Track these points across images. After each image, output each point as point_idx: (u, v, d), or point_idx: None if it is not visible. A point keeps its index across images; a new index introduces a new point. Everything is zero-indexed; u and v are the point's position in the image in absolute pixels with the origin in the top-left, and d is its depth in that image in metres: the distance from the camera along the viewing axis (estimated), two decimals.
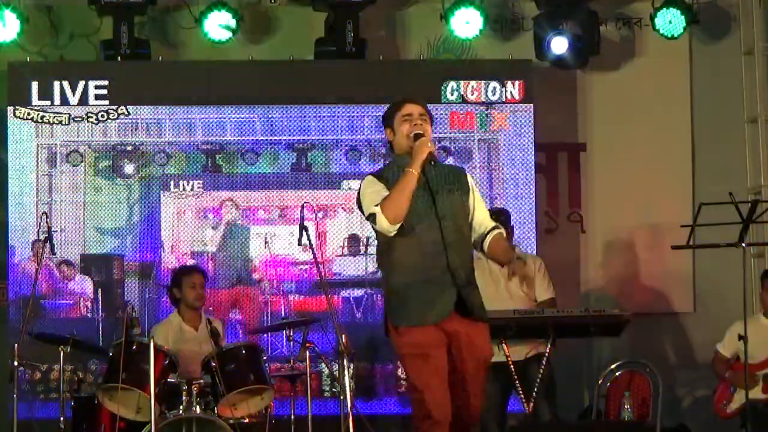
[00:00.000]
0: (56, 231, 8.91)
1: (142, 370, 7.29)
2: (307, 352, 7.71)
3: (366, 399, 9.30)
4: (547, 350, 8.15)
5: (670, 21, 9.73)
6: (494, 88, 9.57)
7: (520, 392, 8.09)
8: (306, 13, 9.81)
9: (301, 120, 9.51)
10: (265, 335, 9.14)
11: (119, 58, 9.43)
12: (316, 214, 8.78)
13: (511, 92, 9.57)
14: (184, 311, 8.27)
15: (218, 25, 9.45)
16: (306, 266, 9.41)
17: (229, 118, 9.48)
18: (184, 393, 7.51)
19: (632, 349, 9.54)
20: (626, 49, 10.15)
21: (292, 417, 8.01)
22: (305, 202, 7.78)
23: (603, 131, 10.07)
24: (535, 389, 8.11)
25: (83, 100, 9.34)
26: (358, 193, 5.98)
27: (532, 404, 8.17)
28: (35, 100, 9.31)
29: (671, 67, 10.09)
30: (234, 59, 9.63)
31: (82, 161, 9.37)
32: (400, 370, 9.41)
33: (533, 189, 9.56)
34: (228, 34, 9.47)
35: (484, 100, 9.58)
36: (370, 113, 9.54)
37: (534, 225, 9.51)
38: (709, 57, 10.15)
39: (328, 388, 9.27)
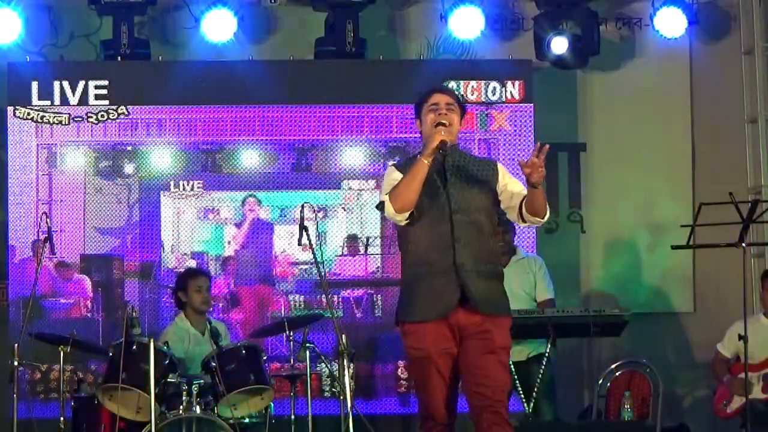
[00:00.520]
0: (56, 231, 8.91)
1: (142, 370, 7.29)
2: (307, 352, 7.71)
3: (366, 399, 9.30)
4: (547, 350, 8.15)
5: (670, 21, 9.73)
6: (494, 88, 9.57)
7: (521, 392, 8.10)
8: (306, 13, 9.81)
9: (301, 120, 9.51)
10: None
11: (119, 58, 9.43)
12: (316, 214, 8.78)
13: (511, 92, 9.57)
14: (191, 314, 8.24)
15: (218, 25, 9.45)
16: (306, 266, 9.41)
17: (229, 118, 9.47)
18: (184, 393, 7.50)
19: (632, 349, 9.54)
20: (626, 49, 10.15)
21: (292, 417, 8.01)
22: (305, 202, 7.79)
23: (603, 131, 10.07)
24: (536, 389, 8.12)
25: (83, 100, 9.34)
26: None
27: (532, 404, 8.18)
28: (35, 100, 9.31)
29: (671, 66, 10.09)
30: (234, 59, 9.62)
31: (82, 161, 9.37)
32: (400, 370, 9.42)
33: None
34: (228, 34, 9.47)
35: (484, 100, 9.58)
36: (370, 113, 9.54)
37: None
38: (709, 57, 10.15)
39: (328, 388, 9.27)
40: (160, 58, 9.61)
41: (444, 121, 5.81)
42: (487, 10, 9.71)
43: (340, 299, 9.43)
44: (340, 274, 9.54)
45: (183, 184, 9.48)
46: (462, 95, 9.52)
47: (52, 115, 9.33)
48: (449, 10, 9.62)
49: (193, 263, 9.31)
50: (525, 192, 5.78)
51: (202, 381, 7.57)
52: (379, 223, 9.53)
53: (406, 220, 5.75)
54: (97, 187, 9.41)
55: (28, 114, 9.31)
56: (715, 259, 9.48)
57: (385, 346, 9.44)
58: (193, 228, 9.50)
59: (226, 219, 9.54)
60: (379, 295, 9.51)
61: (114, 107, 9.37)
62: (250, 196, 9.49)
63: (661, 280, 10.05)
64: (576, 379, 9.78)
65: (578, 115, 10.10)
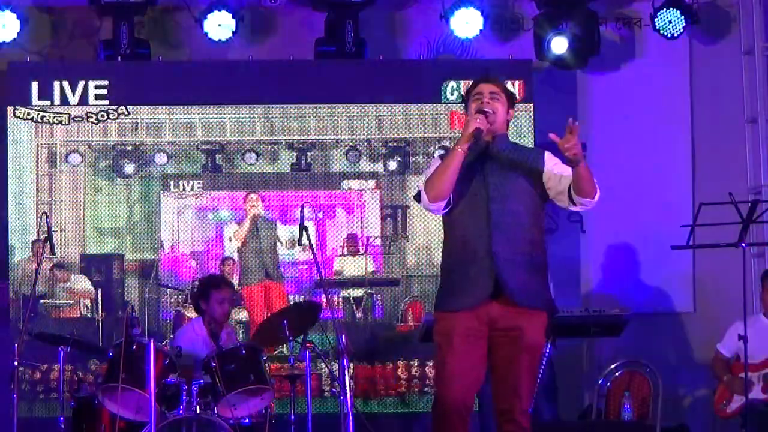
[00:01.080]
0: (56, 231, 8.92)
1: (142, 370, 7.28)
2: (307, 352, 7.70)
3: (366, 399, 9.30)
4: (547, 350, 8.15)
5: (670, 21, 9.73)
6: None
7: None
8: (306, 13, 9.81)
9: (301, 120, 9.51)
10: None
11: (119, 58, 9.43)
12: (316, 214, 8.79)
13: None
14: (210, 322, 8.14)
15: (218, 25, 9.45)
16: (306, 266, 9.42)
17: (229, 118, 9.48)
18: (184, 393, 7.50)
19: (632, 349, 9.54)
20: (626, 49, 10.15)
21: (292, 417, 8.01)
22: (305, 202, 7.79)
23: (603, 131, 10.06)
24: (536, 389, 8.11)
25: (83, 100, 9.35)
26: None
27: (532, 404, 8.17)
28: (35, 100, 9.32)
29: (671, 67, 10.09)
30: (234, 59, 9.62)
31: (82, 161, 9.37)
32: (400, 370, 9.42)
33: None
34: (228, 34, 9.47)
35: None
36: (370, 113, 9.55)
37: None
38: (709, 57, 10.15)
39: (328, 388, 9.27)
40: (160, 58, 9.62)
41: (486, 110, 5.69)
42: (487, 10, 9.71)
43: (340, 299, 9.44)
44: (340, 274, 9.54)
45: (183, 184, 9.48)
46: (462, 95, 9.54)
47: (52, 115, 9.33)
48: (449, 10, 9.62)
49: (192, 263, 9.31)
50: (561, 178, 5.69)
51: (202, 381, 7.56)
52: (379, 223, 9.54)
53: (444, 209, 5.67)
54: (97, 187, 9.42)
55: (28, 114, 9.31)
56: (715, 259, 9.47)
57: (385, 346, 9.45)
58: (193, 228, 9.50)
59: (226, 219, 9.55)
60: (379, 295, 9.51)
61: (114, 107, 9.37)
62: (252, 192, 9.47)
63: (661, 280, 10.05)
64: (576, 379, 9.78)
65: (578, 115, 10.10)
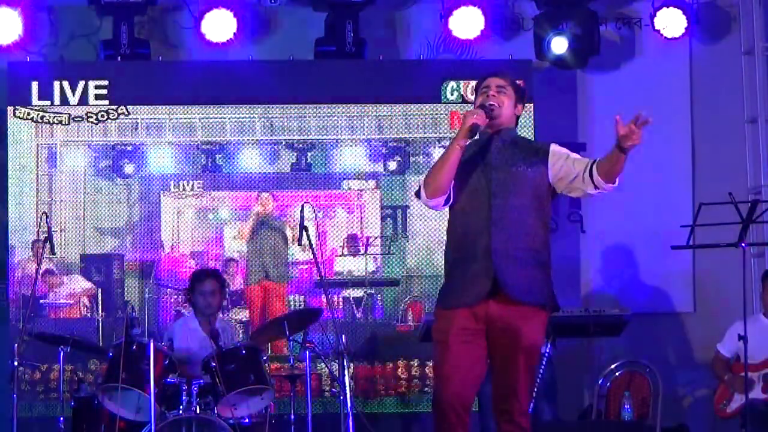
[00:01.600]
0: (56, 231, 8.91)
1: (142, 370, 7.29)
2: (307, 352, 7.70)
3: (366, 399, 9.30)
4: (547, 350, 8.15)
5: (670, 21, 9.73)
6: None
7: None
8: (306, 13, 9.81)
9: (301, 120, 9.51)
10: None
11: (119, 58, 9.43)
12: (316, 214, 8.78)
13: None
14: (199, 316, 8.21)
15: (218, 25, 9.45)
16: (306, 266, 9.41)
17: (229, 118, 9.48)
18: (184, 393, 7.50)
19: (632, 349, 9.54)
20: (626, 49, 10.15)
21: (292, 417, 8.01)
22: (305, 202, 7.79)
23: (603, 131, 10.04)
24: (535, 389, 8.12)
25: (83, 100, 9.35)
26: None
27: (532, 404, 8.18)
28: (35, 100, 9.31)
29: (671, 67, 10.09)
30: (234, 59, 9.62)
31: (82, 161, 9.37)
32: (400, 370, 9.42)
33: None
34: (228, 34, 9.47)
35: None
36: (370, 113, 9.55)
37: None
38: (709, 57, 10.15)
39: (328, 388, 9.27)
40: (160, 58, 9.62)
41: (491, 103, 5.64)
42: (487, 10, 9.71)
43: (340, 299, 9.44)
44: (340, 274, 9.54)
45: (183, 184, 9.48)
46: (462, 95, 9.54)
47: (52, 115, 9.33)
48: (449, 10, 9.62)
49: (192, 263, 9.31)
50: (589, 160, 5.62)
51: (202, 381, 7.57)
52: (379, 223, 9.54)
53: (444, 205, 5.63)
54: (97, 187, 9.42)
55: (28, 114, 9.31)
56: (715, 259, 9.47)
57: (385, 346, 9.45)
58: (193, 228, 9.50)
59: (226, 219, 9.54)
60: (379, 295, 9.51)
61: (114, 107, 9.37)
62: (264, 191, 9.47)
63: (661, 280, 10.05)
64: (576, 379, 9.78)
65: (578, 115, 10.11)
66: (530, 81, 9.58)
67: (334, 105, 9.52)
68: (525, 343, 5.57)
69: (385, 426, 9.38)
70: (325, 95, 9.50)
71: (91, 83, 9.36)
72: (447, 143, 9.41)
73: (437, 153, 9.43)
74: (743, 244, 8.32)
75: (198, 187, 9.49)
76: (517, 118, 5.82)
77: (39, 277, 8.91)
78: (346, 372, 7.47)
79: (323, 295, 8.48)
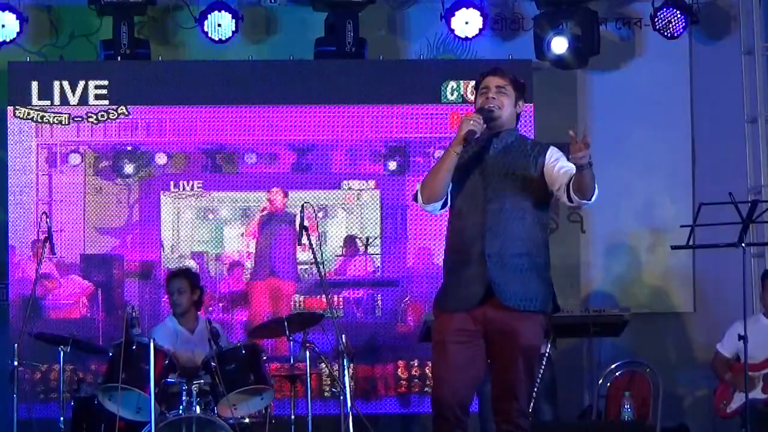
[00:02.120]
0: (56, 231, 8.91)
1: (142, 370, 7.29)
2: (307, 352, 7.71)
3: (366, 399, 9.30)
4: (548, 350, 8.15)
5: (670, 21, 9.73)
6: None
7: None
8: (306, 13, 9.81)
9: (301, 120, 9.51)
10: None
11: (119, 58, 9.42)
12: (316, 214, 8.78)
13: None
14: (176, 315, 8.28)
15: (218, 25, 9.46)
16: (306, 266, 9.41)
17: (229, 118, 9.48)
18: (184, 393, 7.50)
19: (632, 349, 9.54)
20: (626, 49, 10.15)
21: (292, 417, 8.01)
22: (305, 202, 7.79)
23: (603, 131, 10.05)
24: (536, 389, 8.11)
25: (83, 100, 9.34)
26: None
27: (532, 404, 8.18)
28: (35, 100, 9.31)
29: (671, 67, 10.09)
30: (234, 59, 9.62)
31: (82, 161, 9.37)
32: (400, 370, 9.43)
33: None
34: (228, 34, 9.47)
35: None
36: (370, 113, 9.54)
37: None
38: (709, 57, 10.14)
39: (328, 388, 9.27)
40: (160, 58, 9.61)
41: (490, 106, 5.62)
42: (487, 10, 9.71)
43: (340, 299, 9.44)
44: (340, 274, 9.54)
45: (183, 184, 9.48)
46: (462, 95, 9.53)
47: (52, 115, 9.33)
48: (449, 10, 9.62)
49: (192, 263, 9.31)
50: (559, 173, 5.58)
51: (202, 381, 7.57)
52: (379, 223, 9.54)
53: (440, 209, 5.62)
54: (97, 187, 9.41)
55: (28, 114, 9.31)
56: (715, 259, 9.47)
57: (385, 346, 9.44)
58: (193, 228, 9.50)
59: (226, 219, 9.54)
60: (379, 295, 9.51)
61: (114, 107, 9.37)
62: (275, 186, 9.47)
63: (661, 280, 10.05)
64: (576, 379, 9.78)
65: (578, 115, 10.10)
66: (530, 81, 9.58)
67: (334, 105, 9.51)
68: (523, 344, 5.56)
69: (385, 426, 9.38)
70: (325, 95, 9.50)
71: (91, 83, 9.36)
72: (447, 143, 9.48)
73: (437, 153, 9.44)
74: (743, 244, 8.31)
75: (198, 187, 9.49)
76: (518, 115, 5.78)
77: (38, 277, 8.93)
78: (346, 372, 7.48)
79: (323, 295, 8.47)
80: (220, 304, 9.39)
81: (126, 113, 9.39)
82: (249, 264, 9.46)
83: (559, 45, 9.64)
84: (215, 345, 7.63)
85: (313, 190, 9.45)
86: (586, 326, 8.29)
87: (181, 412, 7.46)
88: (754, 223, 8.48)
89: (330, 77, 9.54)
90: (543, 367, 8.22)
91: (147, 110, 9.43)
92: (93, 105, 9.36)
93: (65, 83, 9.34)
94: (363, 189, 9.57)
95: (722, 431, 9.18)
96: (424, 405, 9.32)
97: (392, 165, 9.57)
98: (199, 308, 8.35)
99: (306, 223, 7.71)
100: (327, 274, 8.81)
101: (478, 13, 9.60)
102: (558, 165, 5.62)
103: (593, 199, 5.61)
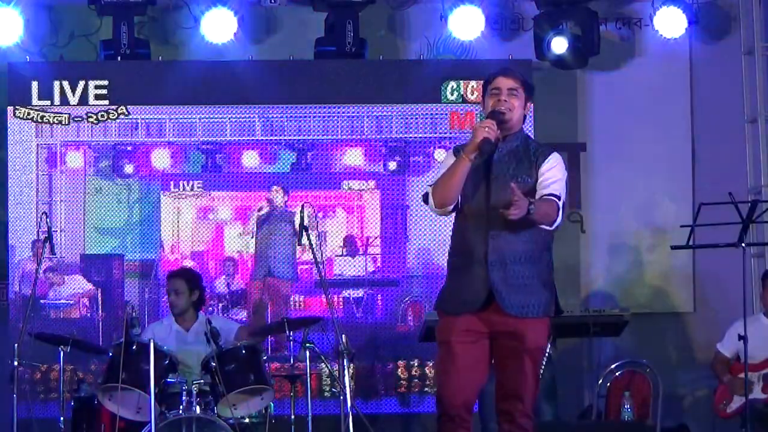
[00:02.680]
0: (56, 231, 8.91)
1: (142, 370, 7.29)
2: (307, 352, 7.71)
3: (366, 399, 9.30)
4: (548, 350, 8.14)
5: (670, 21, 9.73)
6: None
7: None
8: (306, 13, 9.81)
9: (301, 120, 9.51)
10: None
11: (119, 58, 9.42)
12: (316, 214, 8.79)
13: None
14: (174, 314, 8.29)
15: (218, 25, 9.45)
16: (306, 266, 9.41)
17: (229, 118, 9.48)
18: (184, 393, 7.50)
19: (632, 349, 9.54)
20: (626, 49, 10.14)
21: (292, 417, 8.01)
22: (305, 202, 7.79)
23: (603, 131, 10.07)
24: (538, 391, 8.11)
25: (83, 100, 9.35)
26: None
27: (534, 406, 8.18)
28: (35, 100, 9.31)
29: (671, 66, 10.09)
30: (234, 59, 9.62)
31: (82, 161, 9.37)
32: (400, 370, 9.43)
33: None
34: (228, 34, 9.47)
35: None
36: (370, 113, 9.54)
37: None
38: (709, 57, 10.14)
39: (328, 388, 9.27)
40: (160, 58, 9.61)
41: (502, 109, 5.59)
42: (487, 10, 9.71)
43: (340, 299, 9.44)
44: (340, 274, 9.54)
45: (183, 184, 9.48)
46: (462, 95, 9.53)
47: (52, 115, 9.33)
48: (449, 10, 9.61)
49: (191, 263, 9.31)
50: (544, 193, 5.55)
51: (202, 381, 7.57)
52: (379, 223, 9.54)
53: (450, 212, 5.61)
54: (97, 187, 9.41)
55: (28, 114, 9.31)
56: (715, 259, 9.47)
57: (385, 346, 9.44)
58: (193, 228, 9.50)
59: (226, 219, 9.54)
60: (379, 295, 9.51)
61: (114, 107, 9.37)
62: (275, 184, 9.46)
63: (661, 280, 10.05)
64: (576, 379, 9.78)
65: (578, 115, 10.11)
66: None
67: (334, 105, 9.52)
68: (529, 345, 5.57)
69: (385, 426, 9.38)
70: (325, 95, 9.50)
71: (91, 83, 9.36)
72: (447, 143, 9.50)
73: (437, 153, 9.44)
74: (743, 244, 8.31)
75: (198, 187, 9.49)
76: (525, 116, 5.77)
77: (39, 276, 8.93)
78: (346, 372, 7.47)
79: (323, 295, 8.47)
80: (220, 304, 9.39)
81: (126, 113, 9.39)
82: (249, 264, 9.46)
83: (559, 45, 9.64)
84: (215, 345, 7.62)
85: (313, 190, 9.45)
86: (586, 326, 8.29)
87: (181, 412, 7.46)
88: (754, 223, 8.48)
89: (330, 77, 9.54)
90: (543, 367, 8.22)
91: (147, 110, 9.43)
92: (93, 105, 9.36)
93: (65, 83, 9.34)
94: (363, 189, 9.57)
95: (722, 431, 9.18)
96: (424, 405, 9.33)
97: (392, 165, 9.57)
98: (200, 308, 8.34)
99: (306, 222, 7.71)
100: (327, 274, 8.80)
101: (478, 12, 9.59)
102: (544, 179, 5.60)
103: (554, 227, 5.65)
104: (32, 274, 8.39)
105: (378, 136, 9.55)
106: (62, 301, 9.33)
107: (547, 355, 8.14)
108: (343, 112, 9.54)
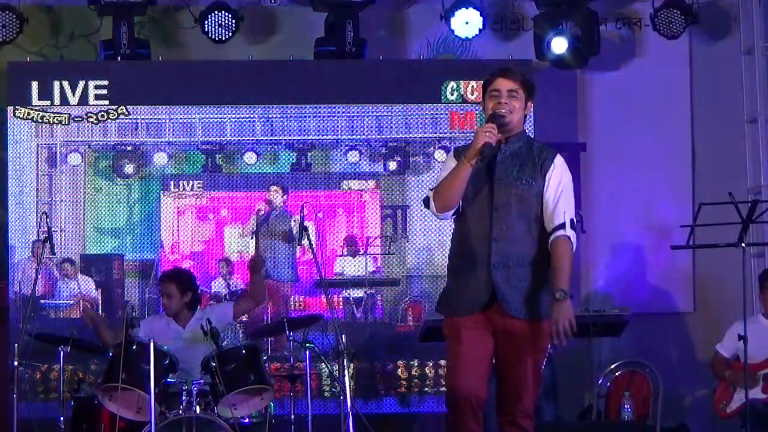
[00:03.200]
0: (56, 231, 8.91)
1: (142, 370, 7.29)
2: (307, 352, 7.71)
3: (366, 399, 9.30)
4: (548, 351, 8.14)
5: (670, 21, 9.73)
6: None
7: None
8: (306, 13, 9.81)
9: (301, 120, 9.51)
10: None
11: (119, 58, 9.42)
12: (316, 214, 8.78)
13: None
14: (168, 315, 8.26)
15: (218, 25, 9.46)
16: (306, 266, 9.41)
17: (229, 118, 9.48)
18: (184, 393, 7.50)
19: (632, 349, 9.54)
20: (626, 49, 10.15)
21: (292, 417, 8.01)
22: (305, 202, 7.79)
23: (603, 131, 10.07)
24: (539, 391, 8.10)
25: (83, 100, 9.34)
26: None
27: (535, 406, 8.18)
28: (35, 100, 9.31)
29: (671, 66, 10.09)
30: (234, 59, 9.62)
31: (82, 161, 9.37)
32: (400, 370, 9.42)
33: None
34: (228, 34, 9.47)
35: None
36: (370, 113, 9.54)
37: None
38: (709, 57, 10.15)
39: (328, 388, 9.27)
40: (160, 58, 9.61)
41: (503, 111, 5.56)
42: (487, 10, 9.72)
43: (340, 299, 9.44)
44: (340, 274, 9.54)
45: (183, 184, 9.48)
46: (462, 95, 9.53)
47: (52, 115, 9.33)
48: (449, 10, 9.62)
49: (190, 263, 9.31)
50: (554, 221, 5.52)
51: (202, 381, 7.57)
52: (379, 223, 9.54)
53: (452, 216, 5.60)
54: (97, 187, 9.42)
55: (28, 114, 9.31)
56: (715, 259, 9.47)
57: (385, 346, 9.44)
58: (193, 228, 9.50)
59: (226, 219, 9.54)
60: (379, 295, 9.51)
61: (114, 107, 9.37)
62: (274, 184, 9.46)
63: (661, 280, 10.05)
64: (576, 379, 9.77)
65: (578, 115, 10.11)
66: None
67: (334, 105, 9.52)
68: (532, 346, 5.58)
69: (385, 426, 9.37)
70: (325, 95, 9.50)
71: (91, 83, 9.36)
72: (447, 144, 9.49)
73: (437, 153, 9.44)
74: (743, 244, 8.31)
75: (198, 187, 9.49)
76: (526, 116, 5.73)
77: (55, 265, 8.97)
78: (346, 372, 7.48)
79: (323, 295, 8.47)
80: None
81: (126, 113, 9.39)
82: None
83: (559, 45, 9.64)
84: (215, 345, 7.62)
85: (313, 190, 9.45)
86: (586, 326, 8.27)
87: (181, 412, 7.46)
88: (754, 223, 8.47)
89: (330, 77, 9.54)
90: (543, 367, 8.22)
91: (147, 110, 9.43)
92: (93, 105, 9.36)
93: (65, 83, 9.34)
94: (363, 189, 9.57)
95: (722, 431, 9.18)
96: (424, 405, 9.33)
97: (392, 165, 9.57)
98: (194, 308, 8.25)
99: (306, 223, 7.71)
100: (327, 274, 8.81)
101: (478, 13, 9.60)
102: (552, 194, 5.56)
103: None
104: (32, 274, 8.39)
105: (378, 136, 9.55)
106: (62, 301, 9.33)
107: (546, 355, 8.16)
108: (343, 112, 9.54)
